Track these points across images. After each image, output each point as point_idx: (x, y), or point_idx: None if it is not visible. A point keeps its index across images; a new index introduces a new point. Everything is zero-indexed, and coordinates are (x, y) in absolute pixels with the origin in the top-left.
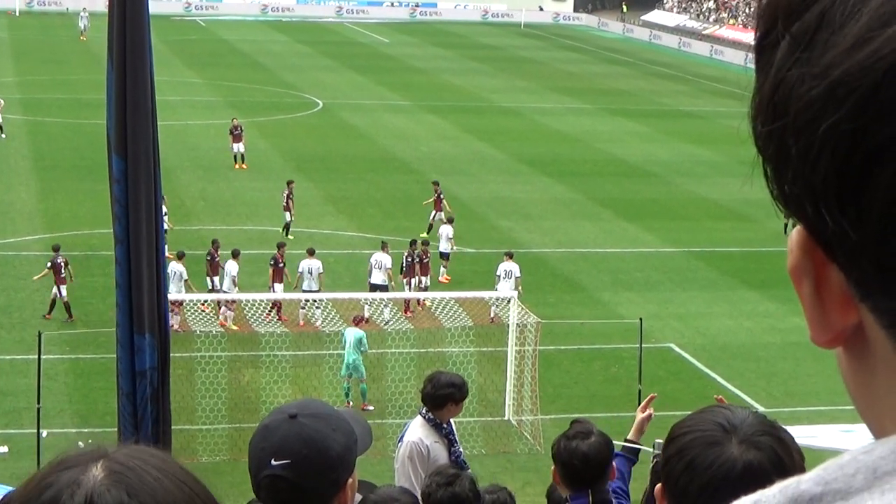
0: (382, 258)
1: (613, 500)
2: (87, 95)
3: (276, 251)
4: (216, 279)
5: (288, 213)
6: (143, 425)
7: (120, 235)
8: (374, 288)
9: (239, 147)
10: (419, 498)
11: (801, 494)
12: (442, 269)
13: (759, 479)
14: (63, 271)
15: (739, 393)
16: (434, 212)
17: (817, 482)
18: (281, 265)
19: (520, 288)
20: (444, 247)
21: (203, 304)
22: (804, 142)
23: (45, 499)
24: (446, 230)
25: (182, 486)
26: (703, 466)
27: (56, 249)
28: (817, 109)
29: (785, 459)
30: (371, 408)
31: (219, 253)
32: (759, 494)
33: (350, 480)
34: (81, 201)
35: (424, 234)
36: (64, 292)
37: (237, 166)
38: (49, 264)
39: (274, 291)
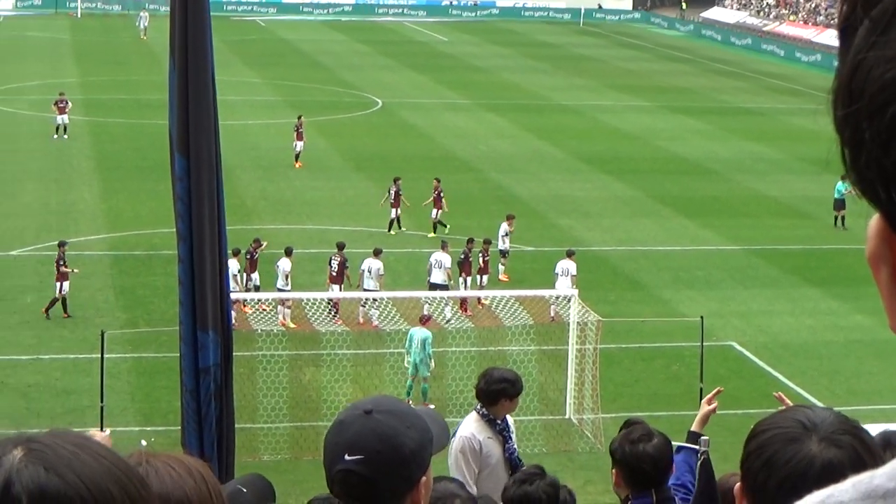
0: (442, 258)
1: (676, 498)
2: (147, 96)
3: (337, 251)
4: (255, 275)
5: (395, 210)
6: (207, 422)
7: (183, 233)
8: (434, 287)
9: (300, 145)
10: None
11: (874, 489)
12: (500, 266)
13: (838, 477)
14: (56, 268)
15: (801, 391)
16: (434, 210)
17: (891, 477)
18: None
19: (575, 286)
20: (501, 244)
21: (260, 304)
22: (877, 125)
23: None
24: (503, 227)
25: (100, 459)
26: (781, 463)
27: (60, 245)
28: (890, 93)
29: (866, 459)
30: (432, 406)
31: (258, 251)
32: (833, 489)
33: (424, 479)
34: (143, 201)
35: (432, 234)
36: (65, 288)
37: (298, 164)
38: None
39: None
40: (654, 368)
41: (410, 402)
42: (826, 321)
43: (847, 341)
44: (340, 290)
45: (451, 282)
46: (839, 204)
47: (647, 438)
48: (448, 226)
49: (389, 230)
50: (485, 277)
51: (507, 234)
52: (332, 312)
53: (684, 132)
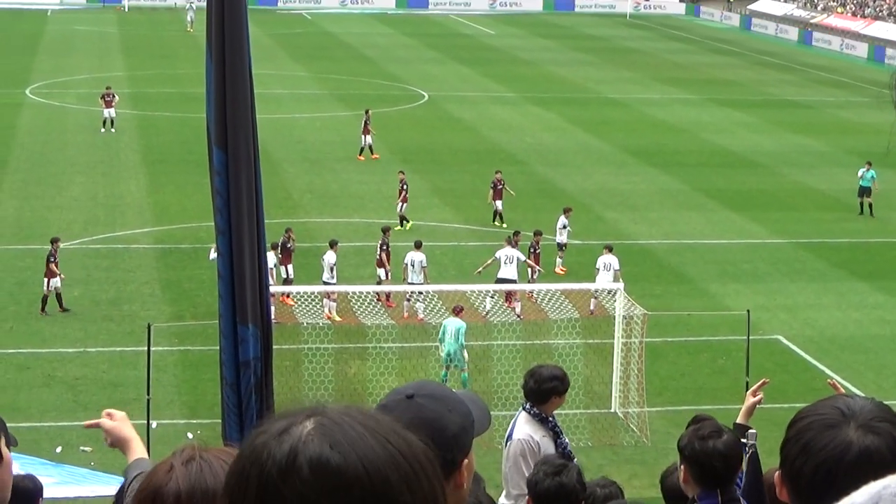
0: (511, 253)
1: (742, 501)
2: (194, 89)
3: (382, 235)
4: (290, 267)
5: (497, 202)
6: (248, 415)
7: (222, 227)
8: (502, 282)
9: (366, 139)
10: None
11: None
12: (558, 259)
13: (875, 464)
14: (46, 264)
15: (848, 385)
16: (400, 203)
17: None
18: (386, 249)
19: (618, 280)
20: (560, 237)
21: (283, 297)
22: None
23: (258, 443)
24: (561, 220)
25: (386, 445)
26: (818, 448)
27: (53, 242)
28: None
29: None
30: None
31: (291, 242)
32: (890, 479)
33: (466, 461)
34: (189, 194)
35: (398, 227)
36: (54, 284)
37: (366, 156)
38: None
39: (379, 276)
40: (700, 362)
41: None
42: (873, 315)
43: (894, 335)
44: (386, 274)
45: (518, 277)
46: (864, 191)
47: (717, 435)
48: (410, 221)
49: (494, 221)
50: (537, 269)
51: (565, 227)
52: (378, 300)
53: (731, 125)
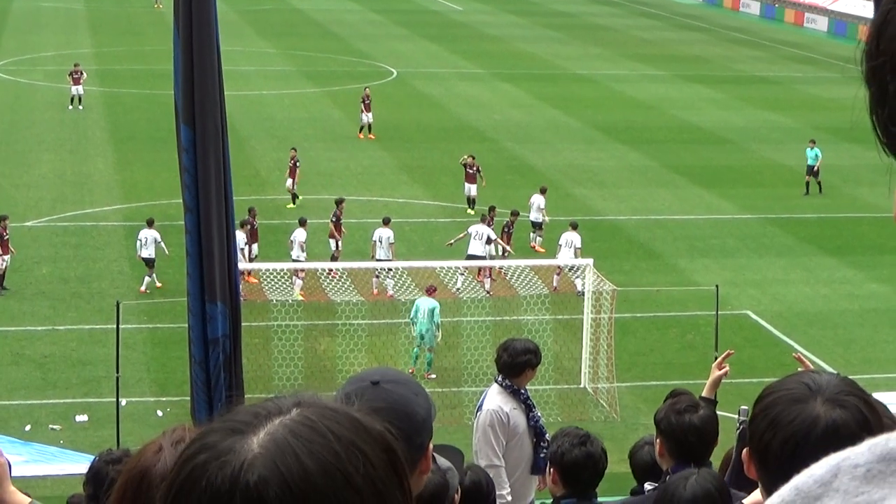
0: (481, 229)
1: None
2: (162, 66)
3: (335, 208)
4: (255, 246)
5: (471, 186)
6: (217, 392)
7: (190, 204)
8: (472, 258)
9: (367, 117)
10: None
11: (889, 452)
12: (538, 238)
13: (842, 437)
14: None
15: (817, 360)
16: (290, 180)
17: None
18: (336, 222)
19: (578, 258)
20: (535, 216)
21: (247, 276)
22: None
23: (198, 462)
24: (538, 200)
25: (333, 473)
26: (786, 422)
27: (2, 219)
28: None
29: (871, 420)
30: (434, 376)
31: (256, 221)
32: (849, 451)
33: (431, 445)
34: (158, 172)
35: (291, 206)
36: (6, 262)
37: (362, 136)
38: None
39: (332, 247)
40: (669, 338)
41: (413, 371)
42: (841, 290)
43: (862, 310)
44: (337, 244)
45: (488, 254)
46: (811, 169)
47: (693, 409)
48: (300, 197)
49: (470, 208)
50: (507, 249)
51: (541, 208)
52: (329, 273)
53: (699, 101)
